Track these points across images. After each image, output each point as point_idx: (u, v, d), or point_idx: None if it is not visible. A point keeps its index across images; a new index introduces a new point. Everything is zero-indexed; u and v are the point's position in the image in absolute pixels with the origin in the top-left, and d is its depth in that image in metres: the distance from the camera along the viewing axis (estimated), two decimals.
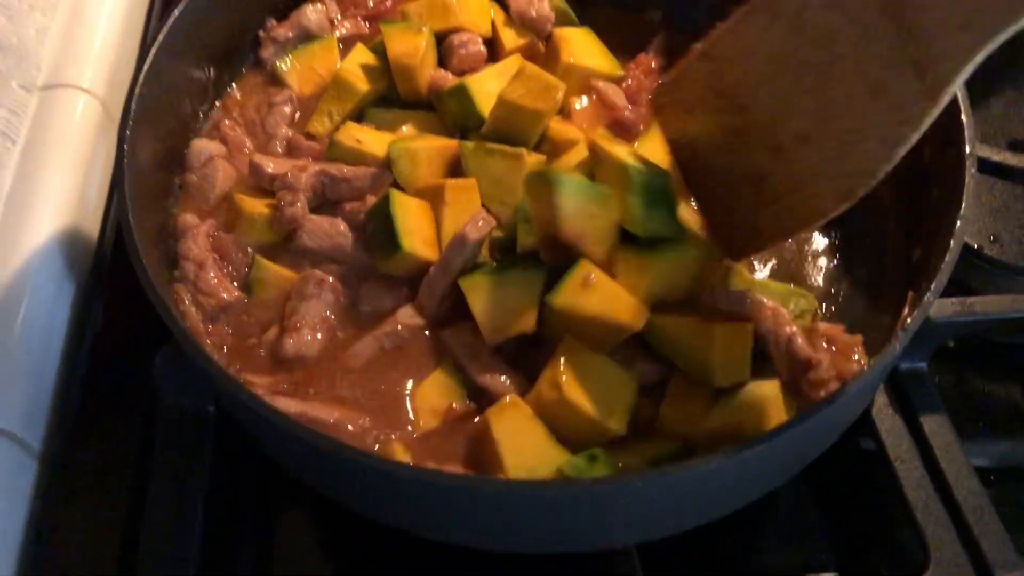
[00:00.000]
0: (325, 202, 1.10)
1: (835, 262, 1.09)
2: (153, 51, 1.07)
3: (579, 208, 0.95)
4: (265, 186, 1.11)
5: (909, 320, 0.84)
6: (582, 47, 1.22)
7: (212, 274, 1.05)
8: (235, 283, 1.06)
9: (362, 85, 1.19)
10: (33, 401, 1.05)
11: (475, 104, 1.12)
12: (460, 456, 0.93)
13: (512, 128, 1.10)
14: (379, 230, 1.03)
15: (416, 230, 1.03)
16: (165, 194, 1.12)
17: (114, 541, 1.00)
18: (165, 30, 1.10)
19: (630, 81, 1.21)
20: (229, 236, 1.09)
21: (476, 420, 0.95)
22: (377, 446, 0.93)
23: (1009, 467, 1.12)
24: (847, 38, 0.81)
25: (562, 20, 1.26)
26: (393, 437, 0.94)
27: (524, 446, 0.89)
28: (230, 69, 1.25)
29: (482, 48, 1.23)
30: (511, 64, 1.17)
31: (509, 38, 1.24)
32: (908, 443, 1.01)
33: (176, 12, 1.12)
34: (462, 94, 1.13)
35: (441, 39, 1.23)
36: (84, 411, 1.09)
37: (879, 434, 1.02)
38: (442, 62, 1.22)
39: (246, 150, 1.17)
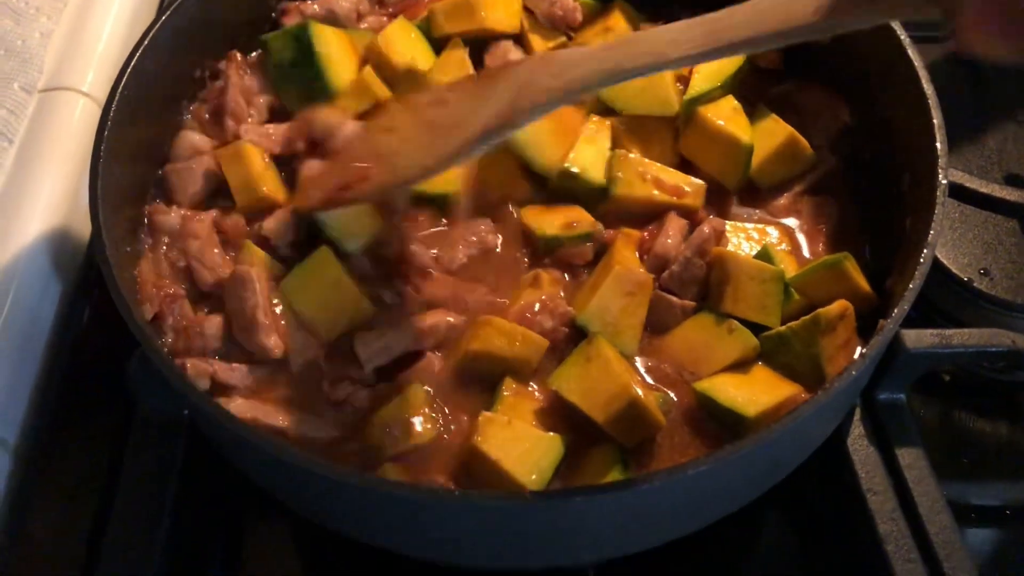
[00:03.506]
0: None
1: None
2: (152, 32, 1.08)
3: None
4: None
5: (864, 349, 0.83)
6: None
7: (217, 250, 1.05)
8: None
9: None
10: (11, 397, 1.06)
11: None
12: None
13: None
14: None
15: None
16: (144, 185, 1.12)
17: (80, 542, 1.00)
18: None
19: None
20: (230, 219, 1.08)
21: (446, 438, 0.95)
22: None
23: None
24: None
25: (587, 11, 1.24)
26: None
27: (521, 451, 0.89)
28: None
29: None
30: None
31: (538, 42, 1.21)
32: (882, 475, 1.00)
33: None
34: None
35: (471, 42, 1.20)
36: (61, 409, 1.10)
37: (853, 465, 1.00)
38: None
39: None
